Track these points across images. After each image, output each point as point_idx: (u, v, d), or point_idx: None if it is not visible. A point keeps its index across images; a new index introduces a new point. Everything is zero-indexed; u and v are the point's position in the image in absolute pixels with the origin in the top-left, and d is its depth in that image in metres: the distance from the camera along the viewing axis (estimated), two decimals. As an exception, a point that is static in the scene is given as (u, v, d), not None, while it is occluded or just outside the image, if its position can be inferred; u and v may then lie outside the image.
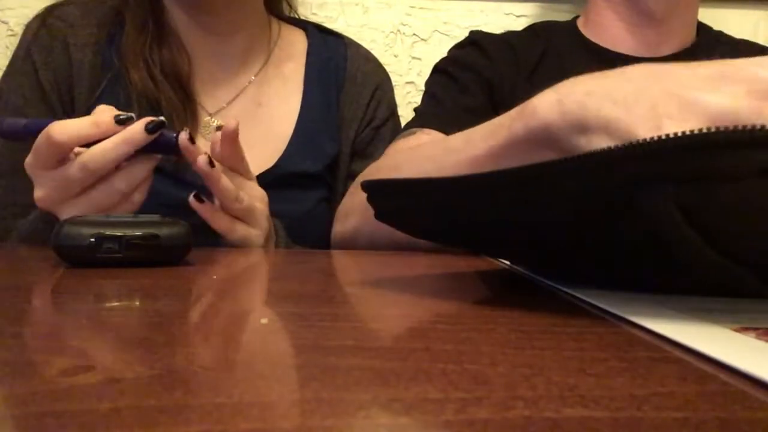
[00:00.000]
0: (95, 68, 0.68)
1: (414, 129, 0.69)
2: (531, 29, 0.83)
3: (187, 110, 0.67)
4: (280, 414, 0.13)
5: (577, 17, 0.84)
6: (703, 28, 0.81)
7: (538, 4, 0.99)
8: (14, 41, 0.72)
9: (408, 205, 0.32)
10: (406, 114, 0.88)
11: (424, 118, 0.72)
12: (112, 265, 0.37)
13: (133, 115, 0.48)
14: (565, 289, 0.30)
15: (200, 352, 0.19)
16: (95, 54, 0.68)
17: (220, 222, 0.52)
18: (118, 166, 0.48)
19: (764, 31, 0.99)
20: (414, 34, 0.99)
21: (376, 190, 0.32)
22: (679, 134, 0.20)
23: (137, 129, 0.47)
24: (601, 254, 0.28)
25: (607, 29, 0.78)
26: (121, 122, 0.47)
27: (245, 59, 0.73)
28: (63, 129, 0.46)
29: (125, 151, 0.47)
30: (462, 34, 0.87)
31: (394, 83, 0.85)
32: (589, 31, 0.79)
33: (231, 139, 0.52)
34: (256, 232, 0.54)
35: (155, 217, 0.40)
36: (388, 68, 0.85)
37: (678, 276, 0.27)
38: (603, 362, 0.18)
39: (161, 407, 0.13)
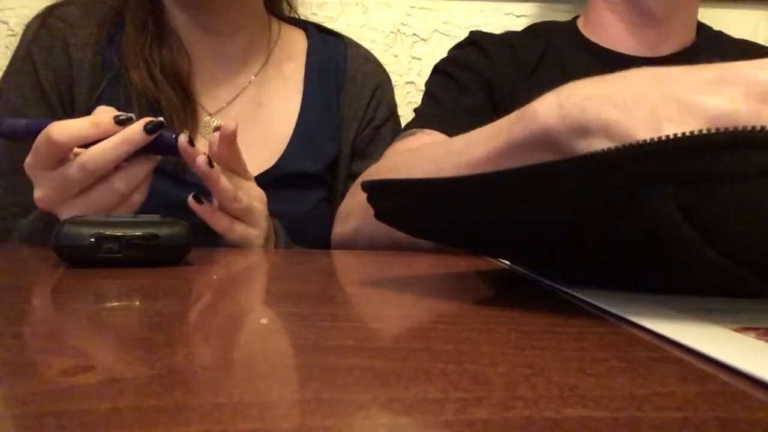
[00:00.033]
0: (95, 68, 0.68)
1: (414, 130, 0.69)
2: (531, 29, 0.83)
3: (187, 110, 0.67)
4: (280, 414, 0.13)
5: (577, 17, 0.84)
6: (703, 28, 0.81)
7: (538, 4, 0.99)
8: (14, 41, 0.72)
9: (408, 205, 0.32)
10: (406, 114, 0.88)
11: (424, 118, 0.72)
12: (112, 265, 0.37)
13: (132, 115, 0.48)
14: (565, 289, 0.30)
15: (200, 352, 0.19)
16: (95, 54, 0.68)
17: (219, 222, 0.52)
18: (118, 166, 0.48)
19: (764, 31, 0.99)
20: (414, 34, 0.99)
21: (376, 190, 0.32)
22: (679, 135, 0.20)
23: (136, 129, 0.47)
24: (601, 254, 0.28)
25: (607, 29, 0.78)
26: (121, 123, 0.47)
27: (245, 59, 0.73)
28: (63, 129, 0.46)
29: (124, 151, 0.47)
30: (462, 34, 0.87)
31: (394, 83, 0.85)
32: (589, 31, 0.79)
33: (229, 140, 0.52)
34: (255, 231, 0.54)
35: (155, 217, 0.40)
36: (388, 68, 0.85)
37: (678, 276, 0.27)
38: (603, 362, 0.18)
39: (161, 407, 0.13)
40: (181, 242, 0.39)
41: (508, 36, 0.81)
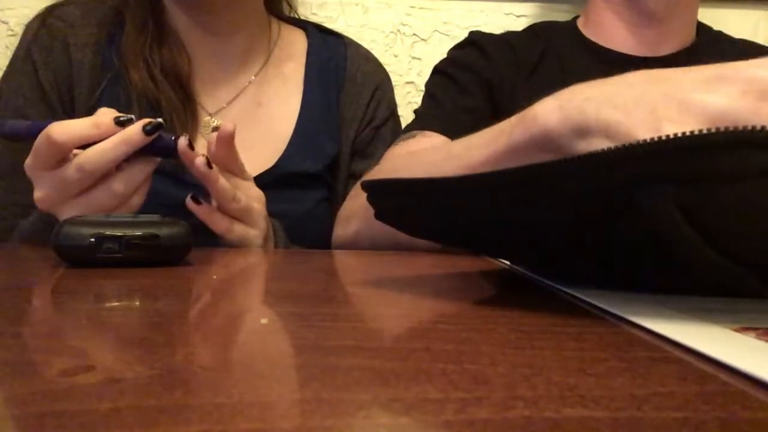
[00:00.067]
0: (95, 68, 0.68)
1: (414, 132, 0.69)
2: (531, 29, 0.83)
3: (187, 110, 0.67)
4: (280, 414, 0.13)
5: (577, 17, 0.84)
6: (703, 28, 0.81)
7: (538, 4, 0.99)
8: (14, 41, 0.72)
9: (408, 205, 0.32)
10: (406, 114, 0.88)
11: (424, 120, 0.72)
12: (112, 265, 0.37)
13: (133, 116, 0.48)
14: (565, 289, 0.30)
15: (200, 352, 0.19)
16: (95, 54, 0.68)
17: (218, 223, 0.52)
18: (118, 167, 0.48)
19: (764, 31, 0.99)
20: (414, 34, 0.99)
21: (377, 190, 0.32)
22: (679, 135, 0.20)
23: (135, 130, 0.47)
24: (601, 254, 0.28)
25: (607, 29, 0.78)
26: (121, 124, 0.47)
27: (245, 59, 0.73)
28: (63, 130, 0.46)
29: (123, 151, 0.47)
30: (462, 34, 0.87)
31: (394, 83, 0.85)
32: (589, 31, 0.79)
33: (227, 141, 0.52)
34: (254, 232, 0.54)
35: (155, 217, 0.40)
36: (388, 68, 0.85)
37: (678, 276, 0.27)
38: (603, 362, 0.18)
39: (161, 407, 0.13)
40: (181, 242, 0.39)
41: (508, 36, 0.81)
